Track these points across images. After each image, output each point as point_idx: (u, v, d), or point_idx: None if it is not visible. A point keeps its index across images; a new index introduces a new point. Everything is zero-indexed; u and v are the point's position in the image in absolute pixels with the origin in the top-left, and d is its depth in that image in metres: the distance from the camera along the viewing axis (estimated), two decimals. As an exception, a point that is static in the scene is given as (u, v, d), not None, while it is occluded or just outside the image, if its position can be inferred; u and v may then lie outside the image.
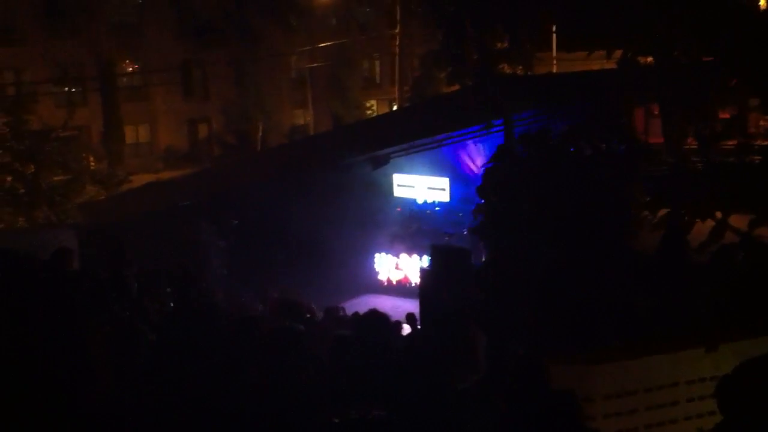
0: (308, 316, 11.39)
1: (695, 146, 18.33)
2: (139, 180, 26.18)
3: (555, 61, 29.93)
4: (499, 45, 26.95)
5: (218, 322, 6.88)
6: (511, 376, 5.97)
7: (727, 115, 20.87)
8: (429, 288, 14.00)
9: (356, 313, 9.18)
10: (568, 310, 11.08)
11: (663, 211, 14.98)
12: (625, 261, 13.29)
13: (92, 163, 26.64)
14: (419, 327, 12.14)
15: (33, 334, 6.18)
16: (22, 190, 23.12)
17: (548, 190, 14.32)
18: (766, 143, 18.45)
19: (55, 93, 29.89)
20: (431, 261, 14.62)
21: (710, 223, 14.02)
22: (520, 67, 26.14)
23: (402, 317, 12.49)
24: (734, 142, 17.82)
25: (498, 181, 15.29)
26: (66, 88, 31.75)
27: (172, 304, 9.59)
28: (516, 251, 13.56)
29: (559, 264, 12.45)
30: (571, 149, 15.66)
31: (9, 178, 23.28)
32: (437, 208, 19.64)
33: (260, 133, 34.38)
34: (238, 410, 5.34)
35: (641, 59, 19.28)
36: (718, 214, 13.42)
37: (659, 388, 9.23)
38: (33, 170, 23.35)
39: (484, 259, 15.42)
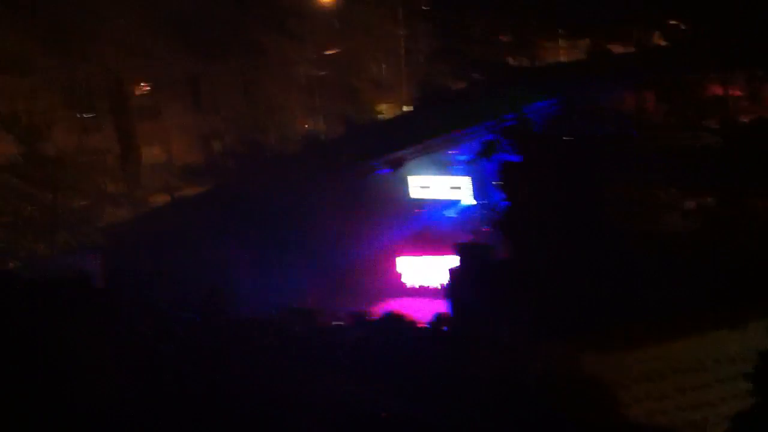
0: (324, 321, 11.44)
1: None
2: (159, 200, 26.31)
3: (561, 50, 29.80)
4: (502, 38, 26.94)
5: (241, 333, 6.95)
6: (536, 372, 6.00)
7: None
8: (458, 286, 14.04)
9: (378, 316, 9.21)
10: (575, 300, 11.07)
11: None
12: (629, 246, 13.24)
13: (109, 186, 26.80)
14: (449, 325, 12.16)
15: (56, 355, 6.25)
16: (40, 217, 23.28)
17: (543, 182, 14.36)
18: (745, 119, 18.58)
19: (68, 119, 30.07)
20: (459, 260, 14.64)
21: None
22: (524, 59, 26.11)
23: (428, 319, 12.48)
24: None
25: (506, 177, 15.36)
26: (78, 114, 31.94)
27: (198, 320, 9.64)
28: (526, 246, 13.60)
29: (564, 256, 12.46)
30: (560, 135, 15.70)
31: (28, 207, 23.46)
32: (458, 206, 19.63)
33: (273, 142, 34.44)
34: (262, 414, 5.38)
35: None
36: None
37: (688, 370, 9.19)
38: (51, 196, 23.53)
39: (507, 253, 15.41)
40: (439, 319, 12.03)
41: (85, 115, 31.80)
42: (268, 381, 5.90)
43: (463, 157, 19.03)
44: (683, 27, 23.34)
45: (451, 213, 19.56)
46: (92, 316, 7.55)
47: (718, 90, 20.06)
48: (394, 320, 6.64)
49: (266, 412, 5.59)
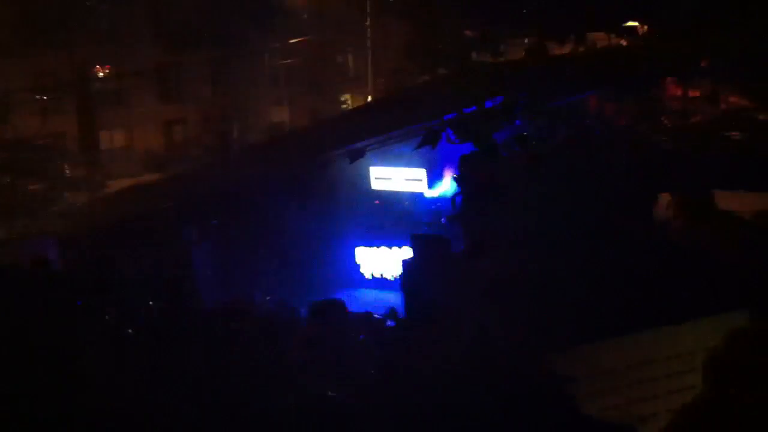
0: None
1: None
2: (118, 185, 26.13)
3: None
4: (469, 33, 27.13)
5: (203, 321, 7.02)
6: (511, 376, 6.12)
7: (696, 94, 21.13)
8: (411, 278, 14.13)
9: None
10: (573, 307, 11.20)
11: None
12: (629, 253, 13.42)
13: (68, 170, 26.60)
14: (402, 318, 12.24)
15: (19, 341, 6.25)
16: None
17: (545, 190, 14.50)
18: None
19: (28, 101, 29.75)
20: (412, 251, 14.74)
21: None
22: (489, 55, 26.32)
23: (384, 309, 12.57)
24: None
25: (479, 172, 15.49)
26: (39, 96, 31.60)
27: (158, 307, 9.64)
28: (483, 242, 13.74)
29: (523, 255, 12.61)
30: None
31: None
32: (416, 199, 19.79)
33: (237, 133, 34.41)
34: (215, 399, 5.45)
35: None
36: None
37: (640, 365, 9.39)
38: (9, 180, 23.28)
39: (465, 248, 15.55)
40: (391, 311, 12.12)
41: (46, 99, 31.52)
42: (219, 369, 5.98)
43: (423, 150, 19.14)
44: (645, 29, 23.68)
45: (410, 205, 19.72)
46: (52, 302, 7.55)
47: (679, 90, 20.41)
48: (329, 308, 6.77)
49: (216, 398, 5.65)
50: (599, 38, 24.85)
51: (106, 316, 8.03)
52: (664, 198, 16.13)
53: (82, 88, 31.61)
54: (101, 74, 34.62)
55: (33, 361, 5.99)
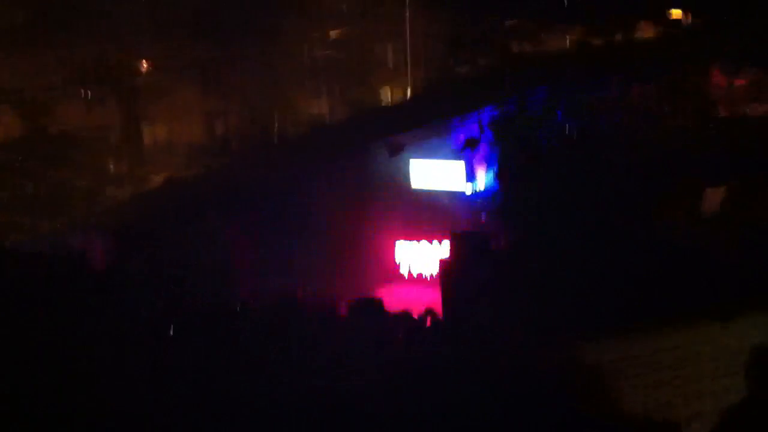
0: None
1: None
2: (160, 179, 26.33)
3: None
4: (507, 23, 26.84)
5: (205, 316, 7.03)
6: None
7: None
8: (450, 275, 13.98)
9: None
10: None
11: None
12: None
13: (111, 165, 26.87)
14: (441, 316, 12.12)
15: (45, 330, 6.28)
16: (41, 194, 23.32)
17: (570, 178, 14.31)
18: None
19: (71, 94, 30.05)
20: (452, 248, 14.57)
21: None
22: (528, 45, 26.04)
23: (424, 306, 12.44)
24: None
25: (518, 167, 15.33)
26: (82, 89, 31.92)
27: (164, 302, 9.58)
28: (525, 238, 13.57)
29: (564, 250, 12.42)
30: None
31: (30, 183, 23.49)
32: (456, 194, 19.59)
33: (276, 125, 34.44)
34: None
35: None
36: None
37: (685, 362, 9.20)
38: (53, 173, 23.55)
39: (504, 242, 15.35)
40: (428, 311, 11.97)
41: (90, 93, 31.80)
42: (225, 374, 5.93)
43: (463, 144, 18.97)
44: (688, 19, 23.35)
45: (450, 200, 19.51)
46: (83, 294, 7.58)
47: (721, 81, 19.95)
48: (369, 305, 6.70)
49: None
50: (644, 27, 24.45)
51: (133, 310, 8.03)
52: (716, 191, 15.79)
53: (125, 81, 31.85)
54: (143, 67, 34.86)
55: (49, 351, 6.01)
